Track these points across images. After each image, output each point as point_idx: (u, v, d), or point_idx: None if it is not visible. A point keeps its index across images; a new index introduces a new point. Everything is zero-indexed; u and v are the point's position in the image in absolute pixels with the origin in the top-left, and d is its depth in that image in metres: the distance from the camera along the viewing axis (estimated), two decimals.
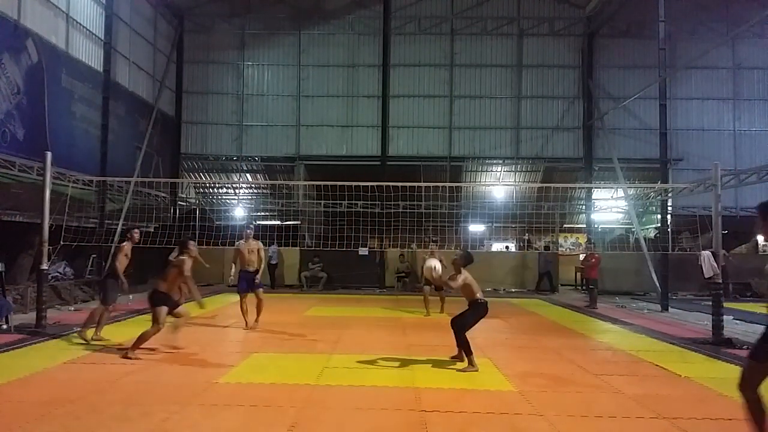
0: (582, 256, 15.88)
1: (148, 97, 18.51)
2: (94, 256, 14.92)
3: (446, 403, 5.32)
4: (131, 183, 15.99)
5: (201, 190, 23.96)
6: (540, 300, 15.77)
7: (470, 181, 21.89)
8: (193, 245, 7.81)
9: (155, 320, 7.16)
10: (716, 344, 8.61)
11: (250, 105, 20.92)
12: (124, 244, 8.54)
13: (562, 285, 18.84)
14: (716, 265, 9.10)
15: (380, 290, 18.32)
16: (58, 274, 13.83)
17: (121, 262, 8.32)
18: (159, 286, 7.33)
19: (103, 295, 8.52)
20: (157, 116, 18.72)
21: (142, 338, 7.12)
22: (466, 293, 7.07)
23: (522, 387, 5.98)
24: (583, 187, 20.72)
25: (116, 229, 15.23)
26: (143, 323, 10.15)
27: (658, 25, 14.52)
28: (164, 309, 7.19)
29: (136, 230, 8.82)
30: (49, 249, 9.77)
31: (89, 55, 15.04)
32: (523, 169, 21.91)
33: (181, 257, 7.49)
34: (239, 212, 23.59)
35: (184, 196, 22.13)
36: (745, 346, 8.49)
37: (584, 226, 22.19)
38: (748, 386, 3.73)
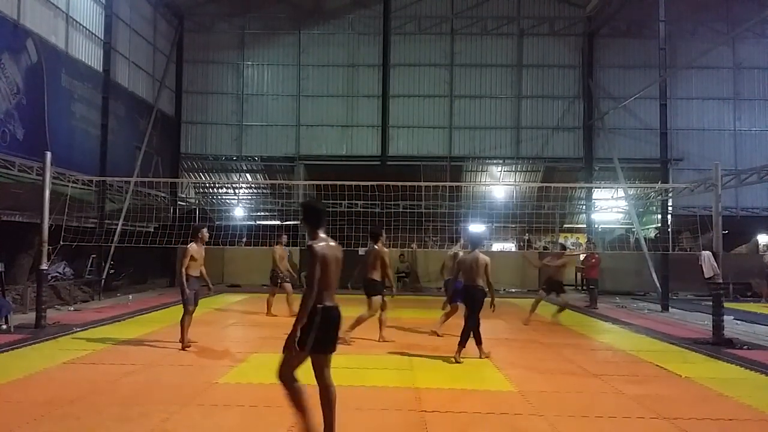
0: (582, 257, 15.87)
1: (148, 97, 18.49)
2: (94, 256, 14.91)
3: (446, 403, 5.31)
4: (131, 183, 15.97)
5: (201, 190, 23.95)
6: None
7: (470, 181, 21.87)
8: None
9: (370, 306, 8.31)
10: (717, 344, 8.60)
11: (250, 105, 20.91)
12: (190, 245, 7.80)
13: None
14: (716, 265, 9.09)
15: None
16: (57, 274, 13.81)
17: (185, 265, 7.60)
18: (371, 274, 8.30)
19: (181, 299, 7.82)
20: (157, 116, 18.71)
21: (359, 321, 8.29)
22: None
23: (522, 387, 5.98)
24: (584, 187, 20.71)
25: (116, 229, 15.21)
26: (144, 323, 10.17)
27: (658, 25, 14.52)
28: (379, 297, 8.28)
29: (205, 227, 7.97)
30: (48, 249, 9.78)
31: (89, 55, 15.03)
32: (524, 169, 21.90)
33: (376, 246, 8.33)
34: (239, 212, 23.58)
35: (184, 196, 22.12)
36: (745, 347, 8.50)
37: (584, 226, 22.18)
38: (288, 374, 3.94)
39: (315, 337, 3.87)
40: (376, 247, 8.41)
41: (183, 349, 7.65)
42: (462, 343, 7.28)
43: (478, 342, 7.43)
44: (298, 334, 3.87)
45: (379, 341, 8.48)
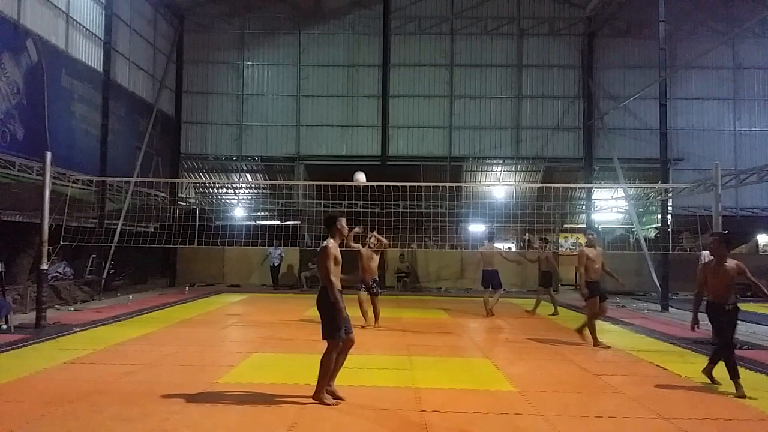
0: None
1: (148, 97, 18.49)
2: (94, 256, 14.91)
3: (446, 403, 5.31)
4: (131, 183, 15.97)
5: (201, 190, 23.95)
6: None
7: (470, 181, 21.88)
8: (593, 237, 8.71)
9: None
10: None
11: (250, 105, 20.91)
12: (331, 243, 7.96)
13: (562, 285, 18.82)
14: None
15: (380, 290, 18.28)
16: (57, 274, 13.82)
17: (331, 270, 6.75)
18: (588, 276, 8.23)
19: None
20: (157, 116, 18.71)
21: (591, 326, 8.27)
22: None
23: (522, 387, 5.98)
24: (583, 187, 20.70)
25: (116, 229, 15.22)
26: (144, 323, 10.16)
27: (658, 25, 14.51)
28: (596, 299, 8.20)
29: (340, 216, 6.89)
30: (48, 249, 9.78)
31: (89, 55, 15.03)
32: (523, 169, 21.90)
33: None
34: (239, 212, 23.59)
35: (183, 196, 22.11)
36: (745, 346, 8.50)
37: (584, 226, 22.18)
38: None
39: None
40: (580, 247, 8.60)
41: (322, 400, 5.26)
42: (733, 374, 5.90)
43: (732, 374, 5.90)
44: None
45: (594, 347, 8.39)
